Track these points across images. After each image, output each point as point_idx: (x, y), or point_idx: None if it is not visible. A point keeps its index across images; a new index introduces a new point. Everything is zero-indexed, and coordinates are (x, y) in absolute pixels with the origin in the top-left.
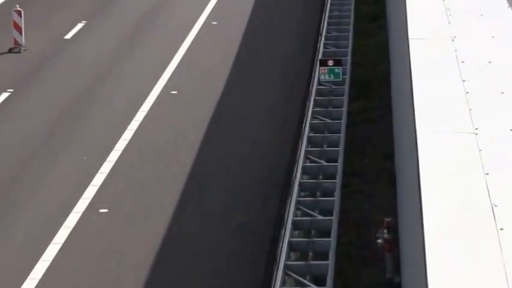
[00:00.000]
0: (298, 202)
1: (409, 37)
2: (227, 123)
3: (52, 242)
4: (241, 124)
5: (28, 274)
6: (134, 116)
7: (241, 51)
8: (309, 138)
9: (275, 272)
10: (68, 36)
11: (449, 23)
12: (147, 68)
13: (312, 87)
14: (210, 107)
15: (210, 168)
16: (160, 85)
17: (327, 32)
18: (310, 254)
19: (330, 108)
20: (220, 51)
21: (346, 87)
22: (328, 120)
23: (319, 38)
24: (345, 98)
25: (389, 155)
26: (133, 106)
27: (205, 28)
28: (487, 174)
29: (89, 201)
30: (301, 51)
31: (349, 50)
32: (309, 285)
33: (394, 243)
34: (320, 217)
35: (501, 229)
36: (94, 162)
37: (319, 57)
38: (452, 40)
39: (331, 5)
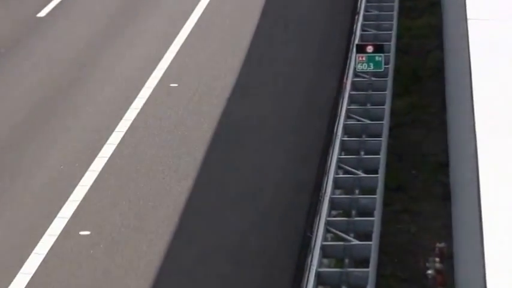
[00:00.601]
0: (328, 223)
1: (468, 17)
2: (227, 147)
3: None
4: (251, 135)
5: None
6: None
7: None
8: (342, 143)
9: None
10: (42, 14)
11: None
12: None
13: (347, 79)
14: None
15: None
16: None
17: (366, 11)
18: None
19: (369, 106)
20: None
21: (390, 79)
22: (367, 121)
23: (356, 17)
24: (388, 93)
25: (442, 165)
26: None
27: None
28: None
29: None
30: (333, 35)
31: (393, 33)
32: None
33: (448, 275)
34: (355, 242)
35: None
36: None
37: (356, 41)
38: None
39: None
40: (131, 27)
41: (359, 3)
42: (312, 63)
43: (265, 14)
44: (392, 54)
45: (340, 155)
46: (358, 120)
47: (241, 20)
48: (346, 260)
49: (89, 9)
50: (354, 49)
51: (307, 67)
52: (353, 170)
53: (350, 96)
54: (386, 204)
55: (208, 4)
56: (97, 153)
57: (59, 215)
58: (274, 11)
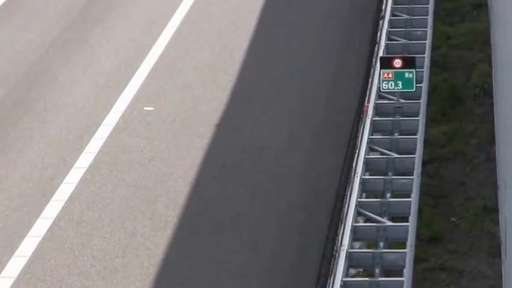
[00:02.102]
0: (345, 285)
1: None
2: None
3: None
4: (245, 175)
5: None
6: None
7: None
8: (363, 182)
9: None
10: None
11: None
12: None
13: (368, 102)
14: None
15: None
16: None
17: (393, 14)
18: None
19: (396, 136)
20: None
21: (423, 102)
22: (394, 155)
23: (380, 22)
24: (421, 119)
25: (490, 211)
26: None
27: None
28: None
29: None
30: (352, 44)
31: (428, 42)
32: None
33: None
34: None
35: None
36: None
37: (380, 54)
38: None
39: None
40: (97, 34)
41: (384, 5)
42: (324, 80)
43: (265, 19)
44: (426, 70)
45: (360, 198)
46: (383, 154)
47: (234, 25)
48: None
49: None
50: (378, 63)
51: (317, 85)
52: (376, 217)
53: (372, 122)
54: (418, 259)
55: (192, 6)
56: (50, 196)
57: (4, 274)
58: (276, 16)
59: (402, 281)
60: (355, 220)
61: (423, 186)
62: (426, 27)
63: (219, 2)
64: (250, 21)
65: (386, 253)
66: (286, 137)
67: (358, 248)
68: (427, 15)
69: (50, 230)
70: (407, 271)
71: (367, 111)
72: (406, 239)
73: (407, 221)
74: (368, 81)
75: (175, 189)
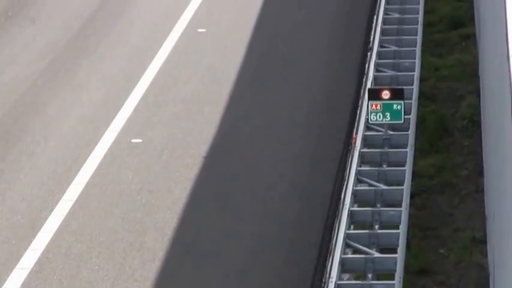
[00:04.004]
0: None
1: (510, 54)
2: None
3: None
4: (234, 205)
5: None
6: None
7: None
8: (351, 214)
9: None
10: None
11: None
12: None
13: (356, 134)
14: None
15: None
16: None
17: (381, 46)
18: None
19: (385, 167)
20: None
21: (411, 133)
22: (382, 186)
23: (368, 54)
24: (409, 151)
25: (479, 242)
26: None
27: None
28: None
29: None
30: (340, 75)
31: (416, 74)
32: None
33: None
34: None
35: None
36: None
37: (368, 85)
38: None
39: (387, 2)
40: (85, 66)
41: (372, 36)
42: (312, 111)
43: (254, 51)
44: (414, 102)
45: (349, 230)
46: (371, 185)
47: (222, 57)
48: None
49: None
50: (366, 95)
51: (305, 117)
52: (364, 248)
53: (361, 154)
54: None
55: (180, 37)
56: (39, 228)
57: None
58: (265, 48)
59: None
60: (343, 252)
61: (411, 217)
62: (414, 59)
63: (208, 34)
64: (239, 53)
65: (375, 285)
66: (274, 168)
67: (346, 280)
68: (415, 47)
69: (39, 262)
70: None
71: (355, 142)
72: (395, 270)
73: (395, 253)
74: (356, 112)
75: (164, 221)
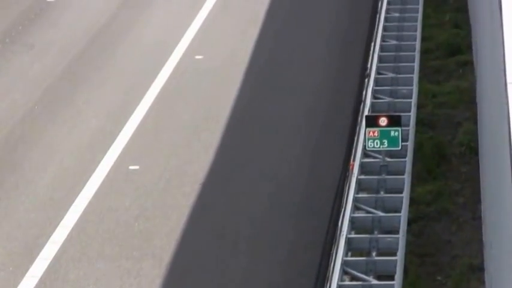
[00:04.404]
0: None
1: (508, 81)
2: None
3: None
4: (231, 234)
5: None
6: None
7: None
8: (348, 241)
9: None
10: None
11: None
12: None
13: (353, 161)
14: None
15: None
16: None
17: (378, 73)
18: None
19: (382, 194)
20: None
21: (409, 160)
22: (380, 213)
23: (366, 81)
24: (407, 178)
25: (477, 269)
26: None
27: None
28: None
29: None
30: (337, 102)
31: (414, 100)
32: None
33: None
34: None
35: None
36: None
37: (366, 112)
38: None
39: (384, 29)
40: (82, 93)
41: (369, 63)
42: (308, 138)
43: (250, 79)
44: (412, 128)
45: (346, 257)
46: (369, 212)
47: (219, 84)
48: None
49: None
50: (363, 122)
51: (302, 143)
52: (362, 275)
53: (358, 181)
54: None
55: (177, 65)
56: (36, 255)
57: None
58: (262, 77)
59: None
60: (341, 279)
61: (409, 244)
62: (412, 85)
63: (205, 61)
64: (236, 80)
65: None
66: (271, 196)
67: None
68: (413, 74)
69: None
70: None
71: (352, 169)
72: None
73: (393, 280)
74: (353, 139)
75: (161, 248)
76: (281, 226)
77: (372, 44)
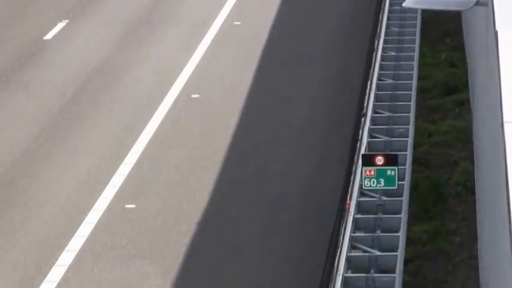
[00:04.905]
0: None
1: (505, 120)
2: None
3: None
4: (228, 275)
5: None
6: None
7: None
8: (345, 280)
9: None
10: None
11: None
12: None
13: (350, 200)
14: None
15: None
16: None
17: (374, 112)
18: None
19: (379, 233)
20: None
21: (405, 199)
22: (376, 253)
23: (362, 120)
24: (403, 217)
25: None
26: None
27: None
28: None
29: None
30: (334, 141)
31: (410, 140)
32: None
33: None
34: None
35: None
36: None
37: (362, 151)
38: None
39: (381, 68)
40: (78, 132)
41: (366, 101)
42: (304, 177)
43: (246, 119)
44: (408, 167)
45: None
46: (365, 252)
47: (215, 123)
48: None
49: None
50: (360, 161)
51: (298, 184)
52: None
53: (355, 220)
54: None
55: (174, 104)
56: None
57: None
58: (258, 116)
59: None
60: None
61: (405, 284)
62: (408, 125)
63: (202, 100)
64: (232, 119)
65: None
66: (266, 236)
67: None
68: (409, 113)
69: None
70: None
71: (349, 208)
72: None
73: None
74: (350, 178)
75: (157, 287)
76: (281, 272)
77: (368, 83)
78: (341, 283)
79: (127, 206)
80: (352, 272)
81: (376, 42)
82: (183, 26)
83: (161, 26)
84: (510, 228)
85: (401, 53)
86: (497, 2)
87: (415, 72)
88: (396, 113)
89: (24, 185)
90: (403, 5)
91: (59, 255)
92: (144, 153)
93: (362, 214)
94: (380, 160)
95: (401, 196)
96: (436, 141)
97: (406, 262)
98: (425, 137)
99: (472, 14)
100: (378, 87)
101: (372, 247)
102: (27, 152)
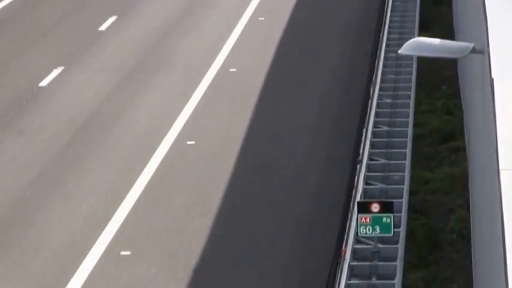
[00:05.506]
0: None
1: (500, 168)
2: None
3: None
4: None
5: None
6: None
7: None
8: None
9: None
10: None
11: None
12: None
13: (345, 247)
14: None
15: None
16: None
17: (370, 159)
18: None
19: (374, 281)
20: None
21: (401, 246)
22: None
23: (358, 167)
24: (399, 264)
25: None
26: None
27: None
28: None
29: None
30: (329, 189)
31: (406, 187)
32: None
33: None
34: None
35: None
36: None
37: (358, 198)
38: None
39: (376, 115)
40: (74, 178)
41: (361, 149)
42: (300, 224)
43: (241, 161)
44: (404, 215)
45: None
46: None
47: (210, 169)
48: None
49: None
50: (355, 208)
51: (294, 229)
52: None
53: (350, 267)
54: None
55: (170, 150)
56: None
57: None
58: (253, 156)
59: None
60: None
61: None
62: (404, 172)
63: (197, 146)
64: (228, 165)
65: None
66: (259, 281)
67: None
68: (405, 160)
69: None
70: None
71: (344, 255)
72: None
73: None
74: (345, 225)
75: None
76: None
77: (364, 130)
78: None
79: (122, 252)
80: None
81: (371, 90)
82: (179, 72)
83: (157, 73)
84: (506, 275)
85: (397, 100)
86: (493, 50)
87: (410, 120)
88: (392, 160)
89: (19, 232)
90: (399, 52)
91: None
92: (139, 200)
93: (357, 261)
94: (376, 207)
95: (397, 243)
96: (432, 189)
97: None
98: (421, 184)
99: (468, 61)
100: (374, 135)
101: None
102: (22, 198)
